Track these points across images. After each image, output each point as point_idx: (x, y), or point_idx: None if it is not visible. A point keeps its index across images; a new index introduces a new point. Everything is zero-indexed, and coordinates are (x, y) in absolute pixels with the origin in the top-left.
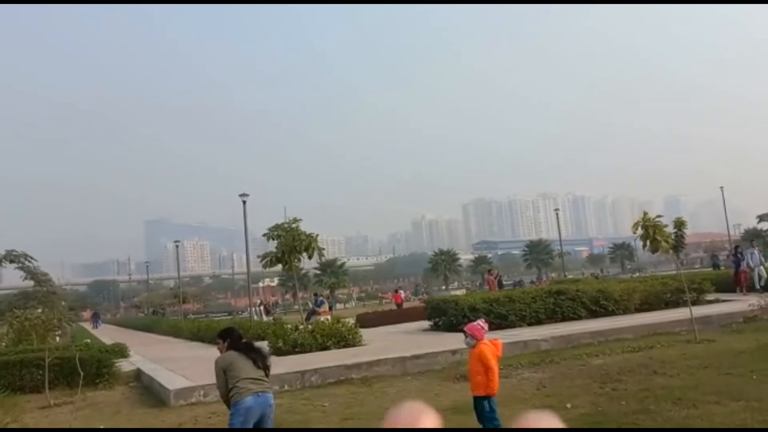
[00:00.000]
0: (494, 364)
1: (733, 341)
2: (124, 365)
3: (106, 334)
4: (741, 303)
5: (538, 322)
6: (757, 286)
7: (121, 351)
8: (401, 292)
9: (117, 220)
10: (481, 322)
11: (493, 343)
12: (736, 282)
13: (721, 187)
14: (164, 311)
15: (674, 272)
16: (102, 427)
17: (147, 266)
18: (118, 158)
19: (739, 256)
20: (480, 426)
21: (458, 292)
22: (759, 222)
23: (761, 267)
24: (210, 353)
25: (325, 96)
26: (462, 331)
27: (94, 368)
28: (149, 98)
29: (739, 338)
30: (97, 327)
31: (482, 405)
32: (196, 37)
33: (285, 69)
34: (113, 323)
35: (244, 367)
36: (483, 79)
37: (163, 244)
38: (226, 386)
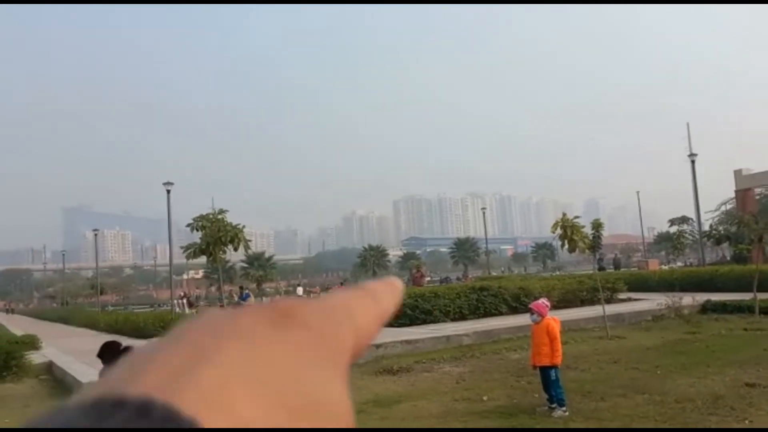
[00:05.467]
0: (559, 337)
1: (642, 338)
2: (36, 357)
3: (17, 325)
4: (650, 302)
5: (462, 317)
6: None
7: (32, 342)
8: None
9: (33, 206)
10: (545, 301)
11: (555, 320)
12: None
13: (637, 192)
14: (72, 302)
15: (591, 272)
16: (8, 421)
17: (63, 255)
18: (35, 140)
19: None
20: (546, 394)
21: None
22: (670, 226)
23: None
24: (128, 344)
25: (260, 88)
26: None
27: (2, 360)
28: (73, 77)
29: (647, 335)
30: None
31: (549, 374)
32: (123, 18)
33: (221, 58)
34: (26, 314)
35: None
36: (416, 86)
37: (83, 232)
38: None
